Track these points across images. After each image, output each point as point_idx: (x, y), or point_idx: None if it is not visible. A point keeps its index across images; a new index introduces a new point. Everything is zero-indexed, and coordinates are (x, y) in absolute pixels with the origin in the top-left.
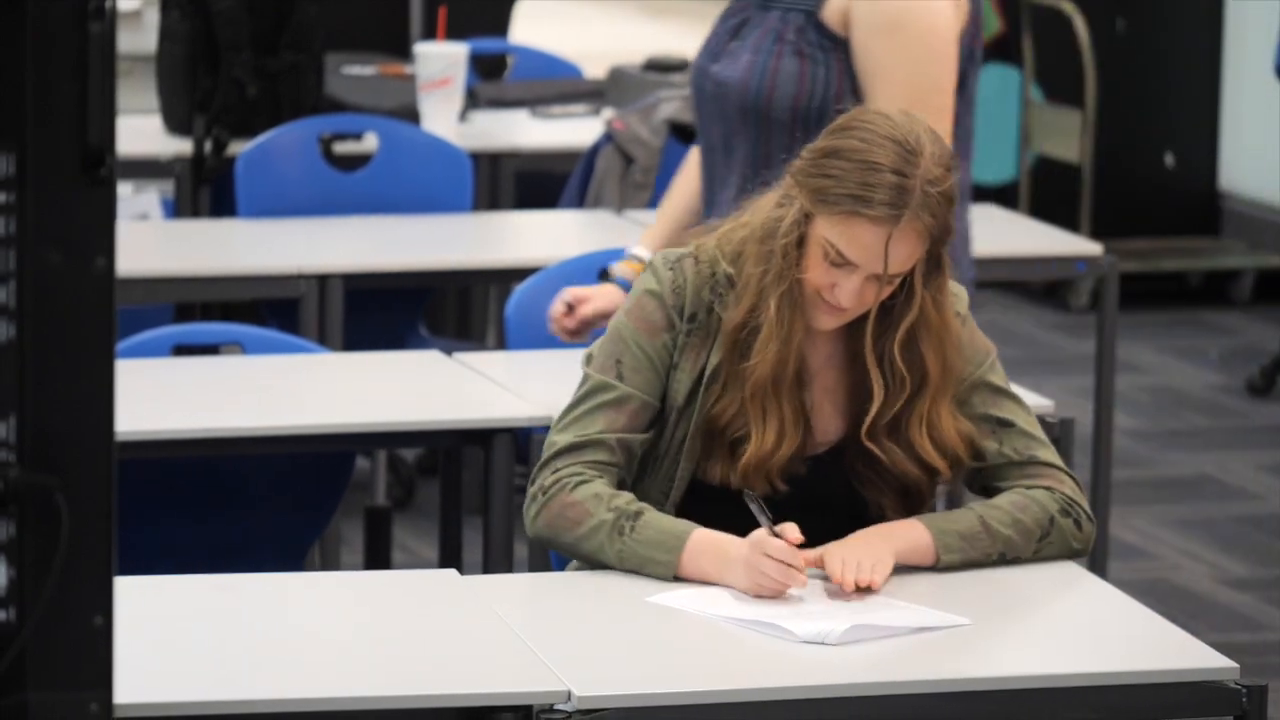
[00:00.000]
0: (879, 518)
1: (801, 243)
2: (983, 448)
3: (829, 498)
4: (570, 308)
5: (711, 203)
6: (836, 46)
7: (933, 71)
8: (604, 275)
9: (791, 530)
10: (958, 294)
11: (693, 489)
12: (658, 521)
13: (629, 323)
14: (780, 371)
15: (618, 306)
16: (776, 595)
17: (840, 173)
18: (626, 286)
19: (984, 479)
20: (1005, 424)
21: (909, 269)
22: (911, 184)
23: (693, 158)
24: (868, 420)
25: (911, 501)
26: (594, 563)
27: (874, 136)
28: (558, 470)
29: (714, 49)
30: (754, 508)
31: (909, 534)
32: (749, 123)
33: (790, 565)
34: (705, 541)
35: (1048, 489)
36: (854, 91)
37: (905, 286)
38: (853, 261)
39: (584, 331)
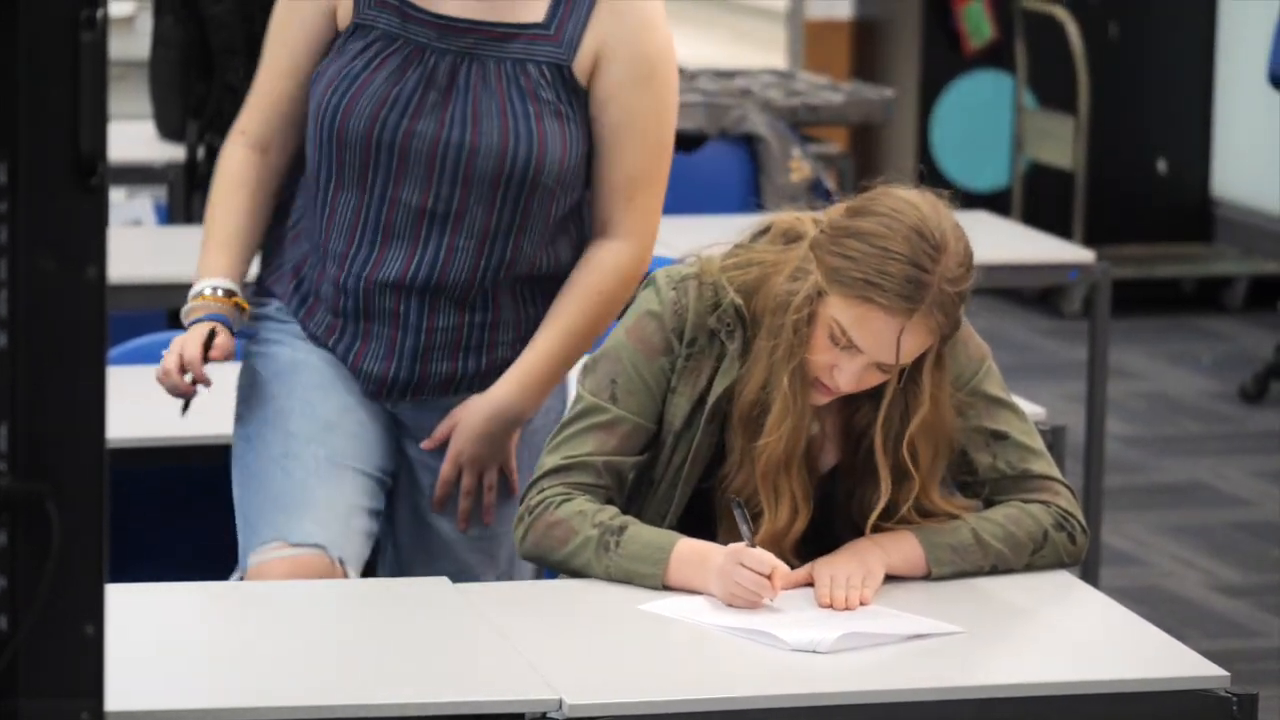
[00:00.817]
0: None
1: (811, 319)
2: (976, 461)
3: (825, 520)
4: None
5: (380, 261)
6: (581, 99)
7: (672, 124)
8: (179, 318)
9: (774, 559)
10: (979, 345)
11: (696, 505)
12: (642, 534)
13: (628, 343)
14: (793, 450)
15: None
16: (751, 605)
17: (859, 255)
18: (221, 320)
19: (979, 492)
20: (1000, 436)
21: (910, 362)
22: (930, 279)
23: (237, 172)
24: (872, 517)
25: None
26: (582, 578)
27: (899, 225)
28: (543, 490)
29: (399, 99)
30: (738, 515)
31: (900, 546)
32: (501, 190)
33: (765, 577)
34: (689, 551)
35: (1044, 503)
36: (592, 147)
37: (904, 376)
38: (858, 347)
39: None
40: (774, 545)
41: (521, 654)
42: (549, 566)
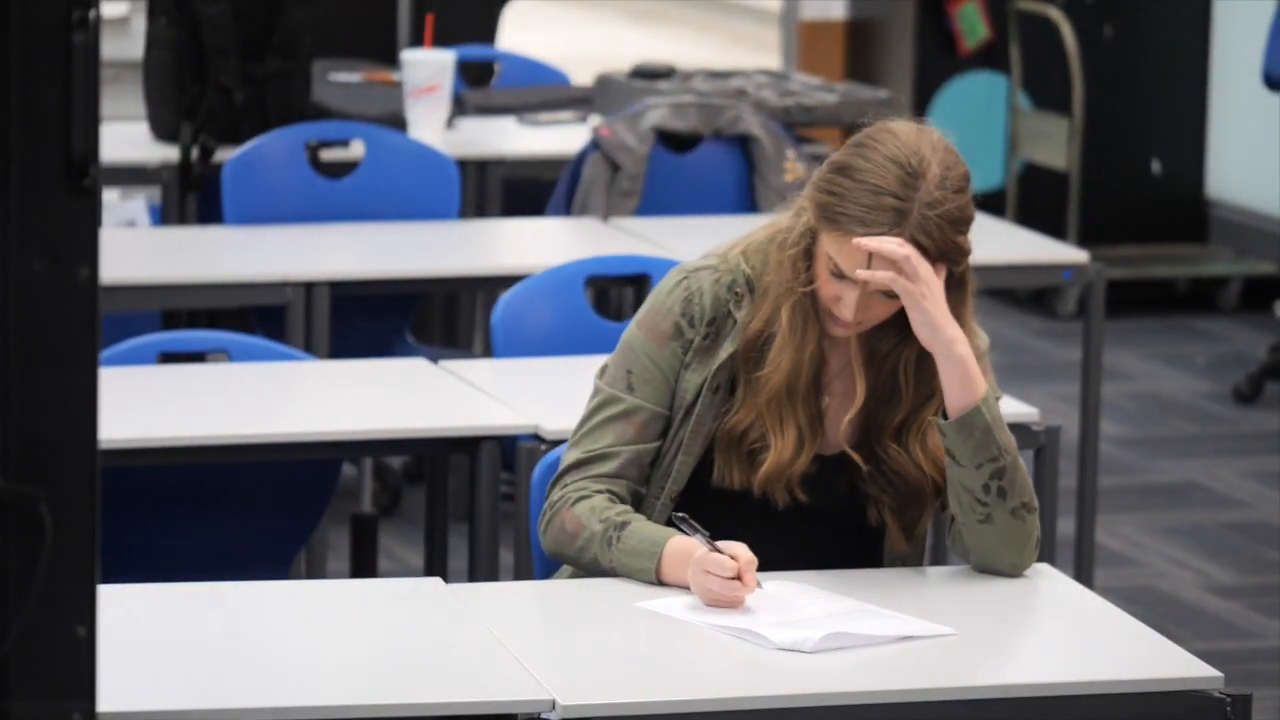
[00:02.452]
0: (881, 523)
1: (809, 254)
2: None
3: (834, 500)
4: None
5: None
6: None
7: None
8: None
9: (741, 549)
10: (979, 336)
11: (706, 492)
12: (641, 530)
13: (639, 333)
14: (794, 381)
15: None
16: (733, 606)
17: (843, 191)
18: None
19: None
20: None
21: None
22: (906, 205)
23: None
24: (851, 411)
25: (912, 510)
26: (597, 574)
27: (876, 155)
28: (565, 486)
29: None
30: (685, 529)
31: (969, 352)
32: None
33: (732, 578)
34: (679, 548)
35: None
36: None
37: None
38: (850, 276)
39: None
40: (779, 478)
41: (514, 655)
42: (567, 563)
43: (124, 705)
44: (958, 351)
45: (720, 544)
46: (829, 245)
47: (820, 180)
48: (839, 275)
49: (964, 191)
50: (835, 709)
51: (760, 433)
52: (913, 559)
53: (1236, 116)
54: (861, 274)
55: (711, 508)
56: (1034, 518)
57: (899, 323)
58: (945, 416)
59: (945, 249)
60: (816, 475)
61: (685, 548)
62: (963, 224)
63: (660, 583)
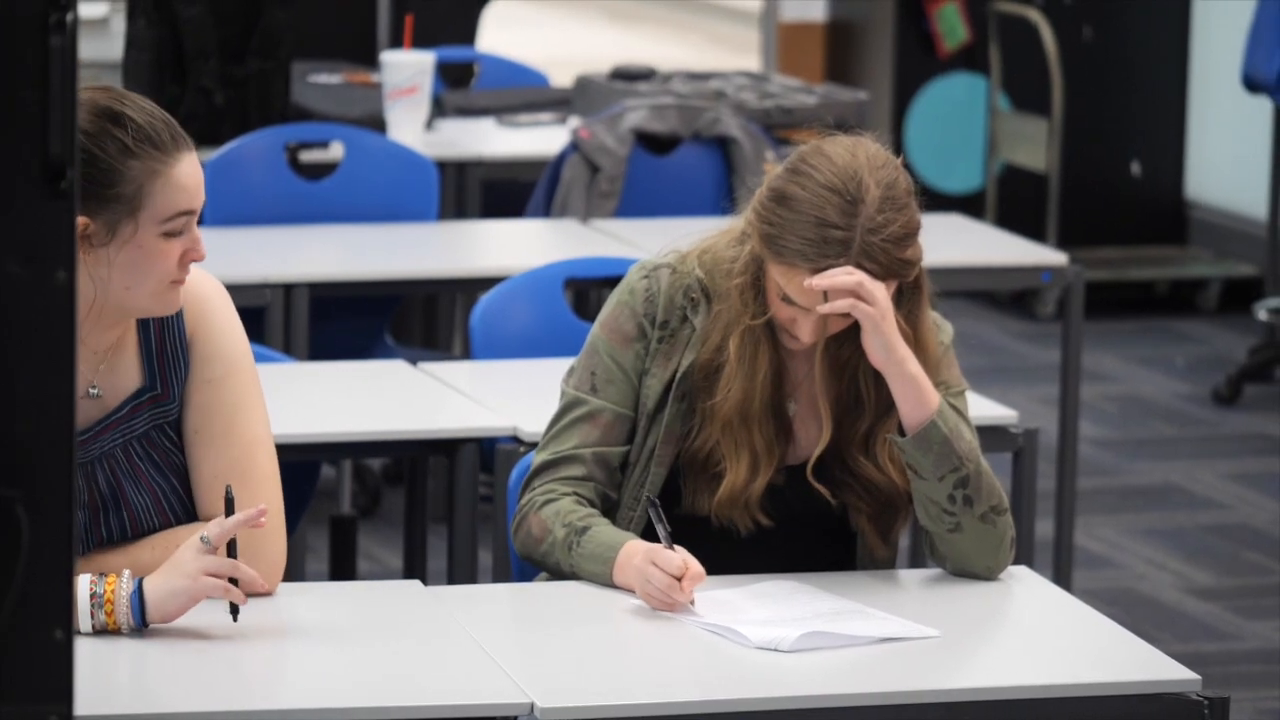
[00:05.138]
0: (853, 529)
1: (757, 282)
2: None
3: (807, 508)
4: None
5: None
6: None
7: None
8: None
9: (693, 562)
10: (941, 326)
11: (679, 515)
12: (600, 535)
13: (602, 334)
14: (747, 407)
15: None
16: (665, 607)
17: (784, 223)
18: None
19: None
20: (959, 414)
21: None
22: (848, 235)
23: None
24: (820, 445)
25: (888, 515)
26: (562, 577)
27: (814, 185)
28: (533, 490)
29: None
30: (652, 514)
31: (919, 370)
32: None
33: (676, 581)
34: (632, 551)
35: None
36: None
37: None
38: (803, 306)
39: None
40: (736, 501)
41: (493, 658)
42: (537, 566)
43: (101, 708)
44: (909, 370)
45: (678, 548)
46: (777, 275)
47: (761, 209)
48: (790, 303)
49: (907, 207)
50: (813, 711)
51: (720, 457)
52: (887, 564)
53: (1216, 118)
54: (822, 309)
55: (683, 528)
56: (1005, 518)
57: (856, 329)
58: (904, 433)
59: (892, 268)
60: (785, 487)
61: (637, 550)
62: (909, 239)
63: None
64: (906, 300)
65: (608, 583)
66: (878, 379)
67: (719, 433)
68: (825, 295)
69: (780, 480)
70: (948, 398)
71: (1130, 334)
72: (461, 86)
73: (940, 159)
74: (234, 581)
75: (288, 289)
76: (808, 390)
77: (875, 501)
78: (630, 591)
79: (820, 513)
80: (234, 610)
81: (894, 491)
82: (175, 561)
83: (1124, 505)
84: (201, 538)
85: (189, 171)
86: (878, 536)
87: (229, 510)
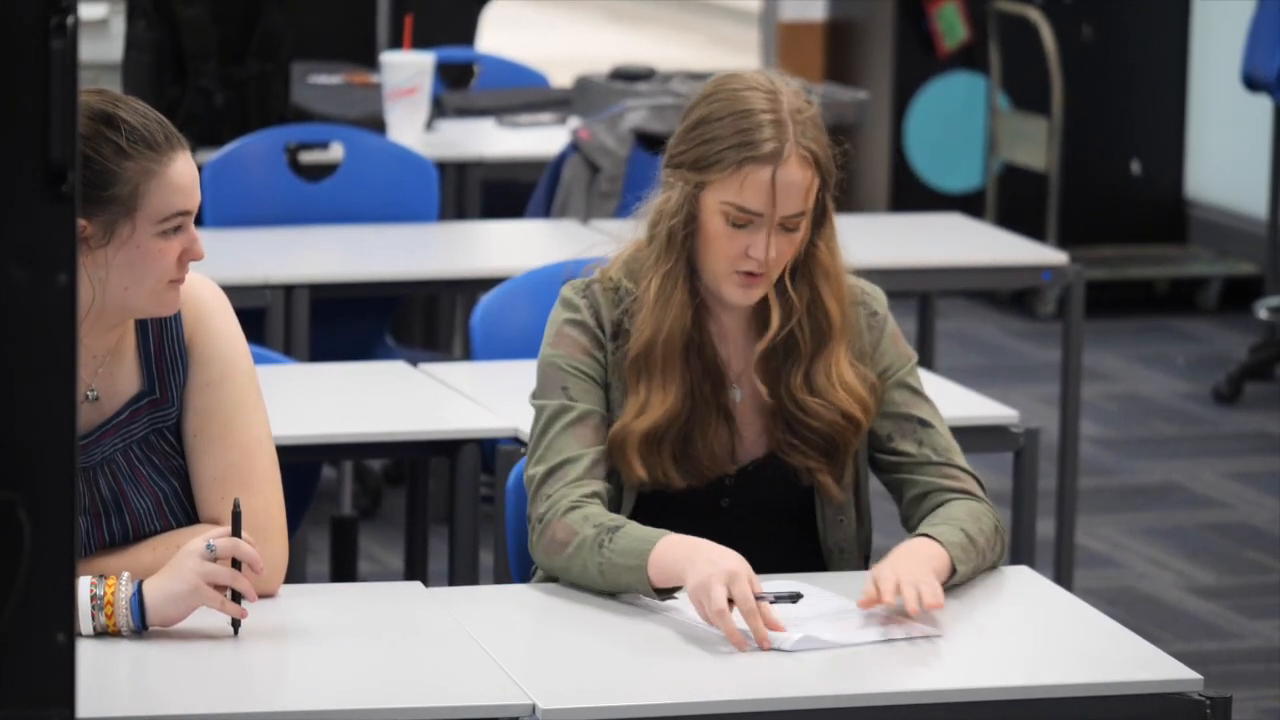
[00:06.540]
0: (816, 511)
1: (692, 220)
2: (901, 445)
3: (765, 499)
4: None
5: None
6: None
7: None
8: None
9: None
10: (874, 295)
11: (655, 503)
12: (633, 531)
13: (560, 352)
14: (653, 340)
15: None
16: (711, 622)
17: (713, 135)
18: None
19: (902, 472)
20: (925, 424)
21: (810, 204)
22: (781, 115)
23: None
24: (764, 340)
25: (838, 457)
26: (584, 582)
27: (727, 92)
28: (549, 495)
29: None
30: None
31: (929, 550)
32: None
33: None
34: (672, 543)
35: (976, 498)
36: None
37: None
38: (756, 211)
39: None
40: (619, 434)
41: (494, 659)
42: (557, 574)
43: (103, 710)
44: (930, 574)
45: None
46: (721, 192)
47: (682, 144)
48: (739, 223)
49: (813, 101)
50: (813, 711)
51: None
52: (848, 511)
53: (1216, 117)
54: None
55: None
56: (1002, 533)
57: (788, 341)
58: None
59: (826, 156)
60: (740, 482)
61: (679, 543)
62: (823, 129)
63: (655, 588)
64: (822, 228)
65: (639, 578)
66: (813, 327)
67: (632, 372)
68: (775, 198)
69: (730, 482)
70: (900, 378)
71: (1131, 333)
72: (461, 87)
73: (940, 158)
74: (234, 595)
75: (288, 290)
76: (748, 384)
77: (823, 449)
78: (656, 593)
79: (780, 500)
80: (235, 625)
81: (838, 431)
82: (176, 565)
83: (1125, 504)
84: (208, 545)
85: (184, 171)
86: (833, 481)
87: (236, 525)
